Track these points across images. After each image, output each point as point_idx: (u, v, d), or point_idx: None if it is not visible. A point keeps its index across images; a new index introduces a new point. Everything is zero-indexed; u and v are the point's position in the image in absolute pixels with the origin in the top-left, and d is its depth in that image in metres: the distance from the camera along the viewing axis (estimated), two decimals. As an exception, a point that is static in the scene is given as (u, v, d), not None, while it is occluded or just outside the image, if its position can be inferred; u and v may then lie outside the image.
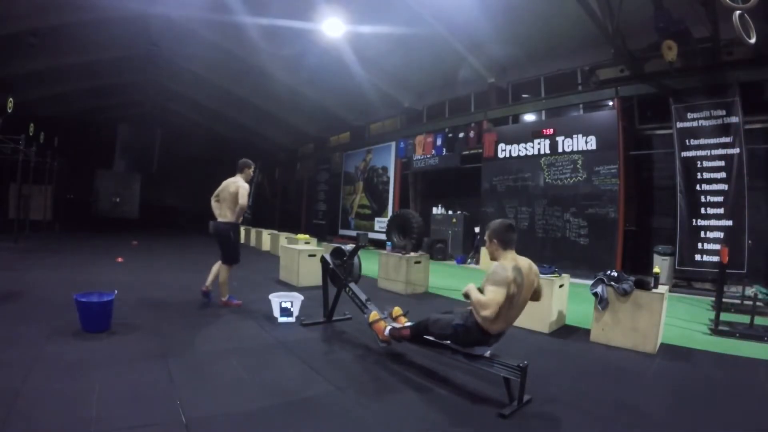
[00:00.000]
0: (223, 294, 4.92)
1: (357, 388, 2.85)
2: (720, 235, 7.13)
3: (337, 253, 4.41)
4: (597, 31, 7.33)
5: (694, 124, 7.56)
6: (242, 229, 14.76)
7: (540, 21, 8.91)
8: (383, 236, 13.15)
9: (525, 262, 2.69)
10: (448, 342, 2.89)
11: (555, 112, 10.21)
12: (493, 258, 2.74)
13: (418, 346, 3.27)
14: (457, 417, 2.49)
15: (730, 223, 7.08)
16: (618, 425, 2.50)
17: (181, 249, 11.54)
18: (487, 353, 2.81)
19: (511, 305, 2.57)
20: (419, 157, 13.06)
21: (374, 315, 3.63)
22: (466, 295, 2.69)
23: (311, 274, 6.30)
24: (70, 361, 2.91)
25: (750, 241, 6.86)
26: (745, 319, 4.88)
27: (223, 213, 4.96)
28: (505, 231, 2.68)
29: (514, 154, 10.34)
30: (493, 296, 2.50)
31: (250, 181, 5.16)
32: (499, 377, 2.67)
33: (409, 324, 3.28)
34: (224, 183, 5.06)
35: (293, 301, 4.44)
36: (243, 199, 4.83)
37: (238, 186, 4.86)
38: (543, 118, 10.44)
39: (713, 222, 7.26)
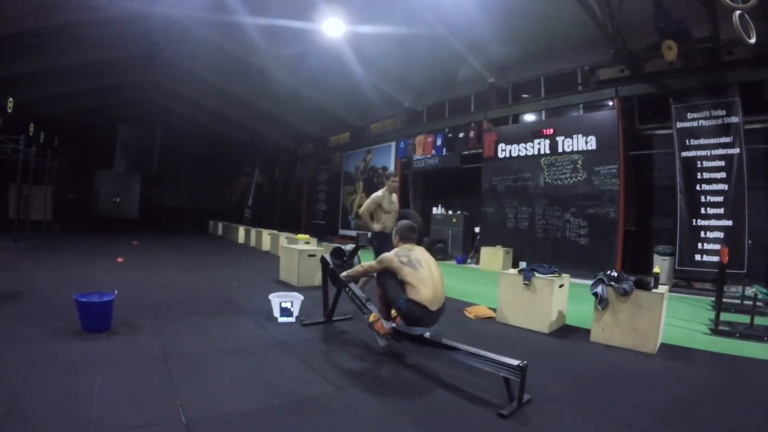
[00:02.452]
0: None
1: (357, 388, 2.84)
2: (720, 235, 7.13)
3: (337, 253, 4.41)
4: (597, 31, 7.33)
5: (694, 124, 7.56)
6: (242, 229, 14.81)
7: (540, 21, 8.92)
8: (383, 236, 13.17)
9: (418, 249, 3.49)
10: (401, 321, 3.35)
11: (555, 112, 10.21)
12: (395, 246, 3.59)
13: (418, 346, 3.27)
14: (457, 417, 2.49)
15: (730, 223, 7.09)
16: (618, 425, 2.49)
17: (181, 249, 11.54)
18: (427, 334, 3.18)
19: (414, 269, 3.23)
20: (419, 157, 13.06)
21: (374, 315, 3.64)
22: (349, 276, 3.85)
23: (311, 274, 6.30)
24: (70, 361, 2.91)
25: (750, 241, 6.86)
26: (745, 319, 4.88)
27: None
28: (407, 231, 3.58)
29: (514, 154, 10.34)
30: (366, 264, 3.69)
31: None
32: (499, 377, 2.67)
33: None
34: None
35: (293, 301, 4.44)
36: (361, 209, 5.38)
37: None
38: (543, 118, 10.44)
39: (713, 222, 7.26)
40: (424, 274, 3.24)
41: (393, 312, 3.60)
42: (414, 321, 3.21)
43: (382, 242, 5.08)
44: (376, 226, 5.23)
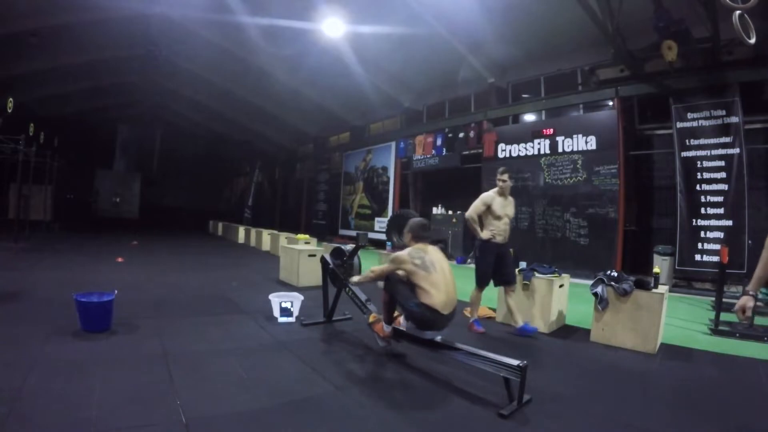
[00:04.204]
0: (471, 313, 4.47)
1: (357, 388, 2.84)
2: (720, 235, 7.13)
3: (337, 253, 4.41)
4: (597, 31, 7.34)
5: (694, 124, 7.56)
6: (242, 229, 14.79)
7: (540, 21, 8.91)
8: (383, 236, 13.18)
9: (431, 248, 3.31)
10: (409, 322, 3.25)
11: (555, 112, 10.21)
12: (407, 246, 3.36)
13: (418, 346, 3.27)
14: (456, 417, 2.49)
15: (730, 223, 7.09)
16: (618, 425, 2.49)
17: (181, 249, 11.54)
18: (438, 338, 3.12)
19: (428, 272, 3.08)
20: (419, 157, 13.06)
21: (374, 316, 3.64)
22: (360, 281, 3.70)
23: (311, 274, 6.30)
24: (70, 361, 2.91)
25: (750, 241, 6.86)
26: (745, 319, 4.87)
27: None
28: (420, 229, 3.39)
29: (514, 154, 10.34)
30: (378, 268, 3.45)
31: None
32: (499, 377, 2.67)
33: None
34: None
35: (293, 301, 4.44)
36: (468, 210, 4.51)
37: None
38: (543, 118, 10.44)
39: (713, 222, 7.26)
40: (438, 278, 3.09)
41: (395, 313, 3.60)
42: (425, 325, 3.10)
43: (485, 254, 4.35)
44: (484, 234, 4.36)
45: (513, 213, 4.55)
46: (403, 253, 3.23)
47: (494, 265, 4.31)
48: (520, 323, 4.23)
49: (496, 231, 4.33)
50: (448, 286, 3.13)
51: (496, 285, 4.42)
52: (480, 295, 4.44)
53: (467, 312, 4.83)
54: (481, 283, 4.39)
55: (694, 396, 2.96)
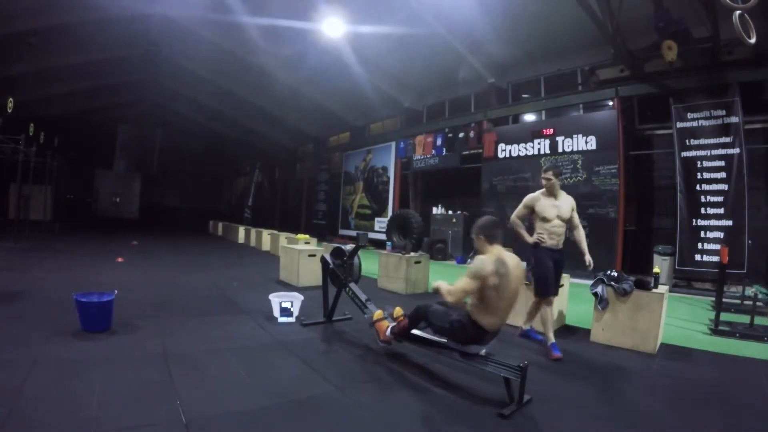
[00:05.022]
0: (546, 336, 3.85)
1: (357, 388, 2.84)
2: (720, 235, 7.13)
3: (337, 253, 4.41)
4: (597, 31, 7.33)
5: (694, 124, 7.56)
6: (242, 229, 14.80)
7: (540, 21, 8.91)
8: (383, 236, 13.15)
9: (510, 257, 2.82)
10: (445, 340, 2.96)
11: (555, 112, 10.21)
12: (480, 252, 2.86)
13: (418, 346, 3.27)
14: (456, 417, 2.49)
15: (730, 223, 7.09)
16: (618, 425, 2.50)
17: (181, 249, 11.54)
18: (482, 352, 2.88)
19: (500, 297, 2.68)
20: (419, 157, 13.06)
21: (374, 315, 3.63)
22: (436, 290, 2.89)
23: (311, 274, 6.30)
24: (70, 361, 2.91)
25: (750, 241, 6.86)
26: (745, 319, 4.88)
27: None
28: (492, 227, 2.87)
29: (514, 154, 10.34)
30: (460, 285, 2.73)
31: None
32: (499, 377, 2.67)
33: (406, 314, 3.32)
34: None
35: (293, 301, 4.44)
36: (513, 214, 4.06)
37: None
38: (543, 118, 10.44)
39: (713, 222, 7.26)
40: (506, 305, 2.73)
41: (398, 311, 3.59)
42: (465, 341, 2.81)
43: (539, 258, 3.88)
44: (532, 238, 3.94)
45: (569, 214, 3.91)
46: (488, 264, 2.66)
47: (554, 270, 3.84)
48: (552, 340, 3.71)
49: (544, 235, 3.85)
50: (509, 310, 2.81)
51: (536, 295, 3.91)
52: (548, 309, 3.81)
53: (526, 325, 4.20)
54: (543, 291, 3.82)
55: (694, 396, 2.96)
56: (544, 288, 3.81)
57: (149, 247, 11.29)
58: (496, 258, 2.70)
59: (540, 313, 3.88)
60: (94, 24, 10.41)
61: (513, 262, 2.77)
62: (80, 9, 9.76)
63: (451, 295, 2.74)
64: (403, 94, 13.46)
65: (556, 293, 3.94)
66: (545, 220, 3.88)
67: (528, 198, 4.02)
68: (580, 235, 4.05)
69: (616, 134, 8.55)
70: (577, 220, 4.04)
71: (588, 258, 3.94)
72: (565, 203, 3.95)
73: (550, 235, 3.87)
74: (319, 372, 3.07)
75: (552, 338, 3.75)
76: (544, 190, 3.96)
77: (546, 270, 3.82)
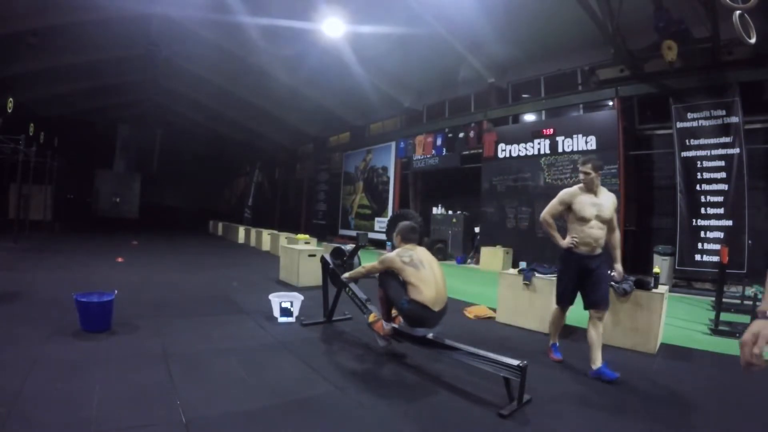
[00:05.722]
0: (552, 337, 3.65)
1: (357, 388, 2.84)
2: (720, 235, 7.13)
3: (337, 253, 4.41)
4: (597, 31, 7.34)
5: (694, 124, 7.56)
6: (242, 229, 14.79)
7: (540, 21, 8.92)
8: (383, 236, 13.18)
9: (417, 246, 3.43)
10: (402, 322, 3.33)
11: (555, 112, 10.22)
12: (396, 247, 3.48)
13: (418, 346, 3.27)
14: (457, 417, 2.49)
15: (730, 223, 7.09)
16: (618, 425, 2.50)
17: (181, 249, 11.54)
18: (430, 335, 3.16)
19: (416, 268, 3.17)
20: (419, 157, 13.06)
21: (374, 315, 3.64)
22: (350, 277, 3.89)
23: (311, 274, 6.30)
24: (70, 361, 2.91)
25: (750, 241, 6.86)
26: (745, 319, 4.88)
27: None
28: (408, 232, 3.49)
29: (514, 154, 10.34)
30: (367, 265, 3.66)
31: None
32: (499, 377, 2.67)
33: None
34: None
35: (293, 301, 4.44)
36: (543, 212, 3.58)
37: None
38: (543, 118, 10.44)
39: (713, 222, 7.26)
40: (426, 274, 3.18)
41: (393, 312, 3.60)
42: (416, 322, 3.17)
43: (564, 267, 3.44)
44: (564, 241, 3.41)
45: (610, 214, 3.35)
46: (391, 253, 3.37)
47: (578, 282, 3.35)
48: (597, 364, 3.18)
49: (579, 238, 3.33)
50: (437, 283, 3.19)
51: (585, 308, 3.37)
52: (560, 316, 3.56)
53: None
54: (559, 302, 3.51)
55: (694, 396, 2.96)
56: (560, 297, 3.48)
57: (149, 247, 11.30)
58: (401, 249, 3.38)
59: (587, 332, 3.33)
60: (94, 24, 10.40)
61: (421, 251, 3.37)
62: (80, 9, 9.75)
63: (360, 273, 3.74)
64: (403, 94, 13.46)
65: (570, 303, 3.46)
66: (582, 220, 3.31)
67: (564, 193, 3.44)
68: (617, 239, 3.48)
69: (616, 134, 8.55)
70: (615, 221, 3.47)
71: (619, 267, 3.47)
72: (607, 202, 3.37)
73: (585, 238, 3.31)
74: (319, 372, 3.07)
75: (555, 339, 3.65)
76: (581, 184, 3.41)
77: (565, 279, 3.43)
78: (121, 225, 18.97)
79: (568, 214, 3.42)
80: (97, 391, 2.47)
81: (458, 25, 9.50)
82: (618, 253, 3.49)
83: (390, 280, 3.33)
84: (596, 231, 3.30)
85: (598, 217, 3.31)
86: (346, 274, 3.94)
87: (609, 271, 3.47)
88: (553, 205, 3.48)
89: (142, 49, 12.50)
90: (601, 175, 3.45)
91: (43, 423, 2.11)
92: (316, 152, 19.48)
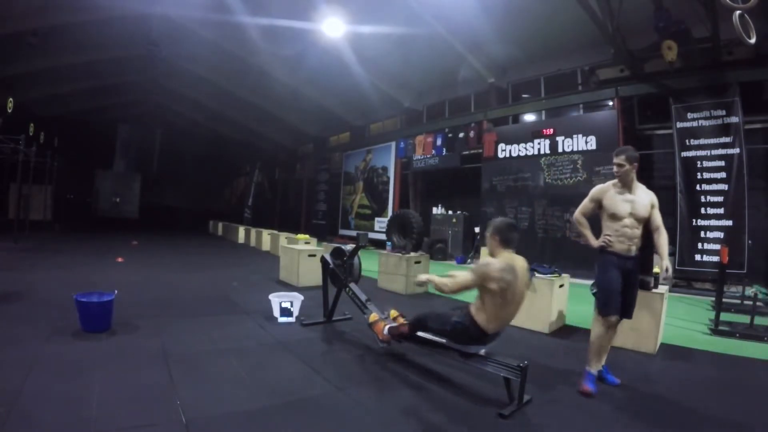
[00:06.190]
0: (589, 363, 3.06)
1: (357, 388, 2.84)
2: (720, 235, 7.13)
3: (337, 253, 4.41)
4: (597, 31, 7.33)
5: (694, 124, 7.56)
6: (242, 229, 14.78)
7: (540, 21, 8.91)
8: (383, 236, 13.16)
9: (520, 262, 2.73)
10: (445, 340, 2.92)
11: (555, 112, 10.21)
12: (492, 254, 2.78)
13: (418, 346, 3.27)
14: (457, 417, 2.49)
15: (730, 223, 7.08)
16: (618, 425, 2.50)
17: (181, 249, 11.54)
18: (482, 351, 2.85)
19: (504, 303, 2.60)
20: (419, 157, 13.05)
21: (374, 315, 3.64)
22: (424, 282, 2.95)
23: (311, 274, 6.31)
24: (70, 361, 2.91)
25: (750, 241, 6.86)
26: (745, 319, 4.88)
27: None
28: (508, 230, 2.75)
29: (514, 154, 10.34)
30: (461, 278, 2.69)
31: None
32: (499, 377, 2.67)
33: (407, 321, 3.32)
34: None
35: (293, 301, 4.44)
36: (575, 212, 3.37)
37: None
38: (543, 118, 10.43)
39: (713, 222, 7.26)
40: (510, 311, 2.66)
41: (393, 313, 3.60)
42: (466, 342, 2.76)
43: (603, 268, 3.10)
44: (597, 240, 3.20)
45: (647, 212, 3.07)
46: (495, 266, 2.57)
47: (621, 282, 3.06)
48: (596, 367, 3.05)
49: (613, 237, 3.08)
50: (513, 317, 2.74)
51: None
52: (605, 332, 3.02)
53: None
54: (603, 307, 3.05)
55: (694, 396, 2.96)
56: (605, 303, 3.03)
57: (149, 247, 11.30)
58: (505, 263, 2.60)
59: (599, 335, 3.02)
60: (94, 24, 10.40)
61: (521, 267, 2.69)
62: (80, 9, 9.75)
63: (447, 287, 2.73)
64: (403, 94, 13.46)
65: (618, 312, 3.03)
66: (614, 217, 3.09)
67: (596, 190, 3.25)
68: (662, 239, 3.11)
69: (616, 134, 8.55)
70: (659, 219, 3.12)
71: (666, 263, 3.05)
72: (643, 198, 3.10)
73: (619, 237, 3.06)
74: (319, 372, 3.07)
75: (593, 366, 3.02)
76: (615, 180, 3.17)
77: (609, 281, 3.05)
78: (121, 225, 18.97)
79: (600, 212, 3.21)
80: (97, 391, 2.47)
81: (458, 25, 9.49)
82: (665, 250, 3.11)
83: (429, 317, 2.93)
84: (630, 230, 3.06)
85: (633, 215, 3.05)
86: (423, 277, 3.02)
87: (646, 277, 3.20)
88: (584, 203, 3.31)
89: (142, 49, 12.50)
90: (636, 167, 3.12)
91: (43, 423, 2.11)
92: (316, 152, 19.48)
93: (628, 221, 3.05)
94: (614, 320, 3.02)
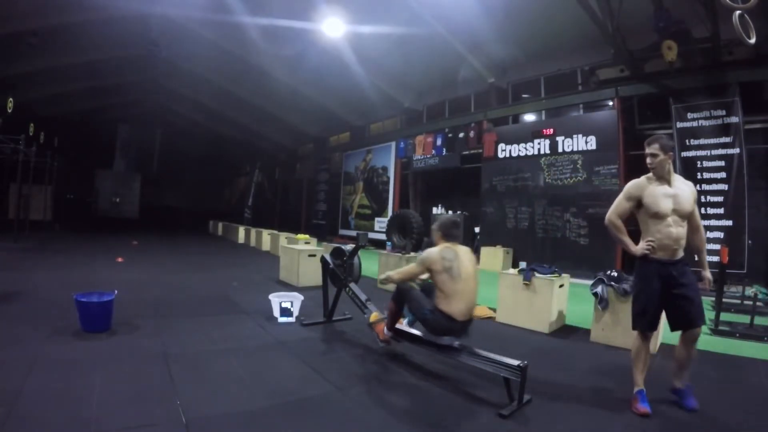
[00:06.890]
0: (635, 381, 2.74)
1: (357, 388, 2.85)
2: (720, 235, 7.13)
3: (337, 253, 4.41)
4: (597, 31, 7.34)
5: (694, 124, 7.56)
6: (242, 229, 14.78)
7: (540, 21, 8.92)
8: (383, 236, 13.17)
9: (462, 248, 3.10)
10: (421, 333, 3.19)
11: (555, 112, 10.21)
12: (435, 245, 3.16)
13: (417, 346, 3.27)
14: (457, 417, 2.49)
15: (730, 223, 7.09)
16: (618, 425, 2.49)
17: (181, 249, 11.54)
18: (456, 344, 3.00)
19: (451, 277, 2.89)
20: (419, 157, 13.06)
21: (374, 315, 3.64)
22: (386, 279, 3.28)
23: (311, 274, 6.30)
24: (70, 361, 2.91)
25: (750, 241, 6.86)
26: (745, 319, 4.88)
27: None
28: (449, 227, 3.15)
29: (514, 154, 10.34)
30: (407, 268, 3.20)
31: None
32: (499, 377, 2.67)
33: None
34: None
35: (293, 301, 4.44)
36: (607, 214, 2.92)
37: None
38: (543, 118, 10.44)
39: (713, 222, 7.26)
40: (462, 287, 2.91)
41: (399, 319, 3.60)
42: (440, 332, 2.98)
43: (641, 281, 2.79)
44: (638, 247, 2.83)
45: (691, 206, 2.69)
46: (433, 253, 2.97)
47: (662, 296, 2.67)
48: (679, 385, 2.78)
49: (655, 240, 2.69)
50: (470, 294, 2.98)
51: (673, 329, 2.79)
52: (644, 346, 2.75)
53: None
54: (636, 321, 2.76)
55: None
56: (638, 318, 2.74)
57: (149, 247, 11.29)
58: (444, 248, 3.00)
59: (676, 352, 2.81)
60: (94, 24, 10.40)
61: (464, 254, 3.03)
62: (80, 9, 9.76)
63: (398, 275, 3.17)
64: (403, 94, 13.46)
65: (654, 329, 2.76)
66: (657, 217, 2.67)
67: (631, 186, 2.80)
68: (702, 240, 2.85)
69: (616, 134, 8.56)
70: (699, 218, 2.80)
71: (708, 274, 2.84)
72: (685, 190, 2.70)
73: (663, 240, 2.66)
74: (319, 372, 3.07)
75: (642, 382, 2.70)
76: (650, 174, 2.77)
77: (647, 294, 2.71)
78: (121, 225, 18.96)
79: (638, 212, 2.79)
80: (97, 391, 2.47)
81: (458, 25, 9.49)
82: (705, 257, 2.88)
83: (411, 292, 3.13)
84: (675, 229, 2.65)
85: (676, 212, 2.65)
86: (382, 276, 3.48)
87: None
88: (618, 202, 2.83)
89: (142, 49, 12.50)
90: (672, 156, 2.72)
91: (43, 423, 2.11)
92: (316, 152, 19.48)
93: (671, 219, 2.65)
94: (650, 335, 2.76)
